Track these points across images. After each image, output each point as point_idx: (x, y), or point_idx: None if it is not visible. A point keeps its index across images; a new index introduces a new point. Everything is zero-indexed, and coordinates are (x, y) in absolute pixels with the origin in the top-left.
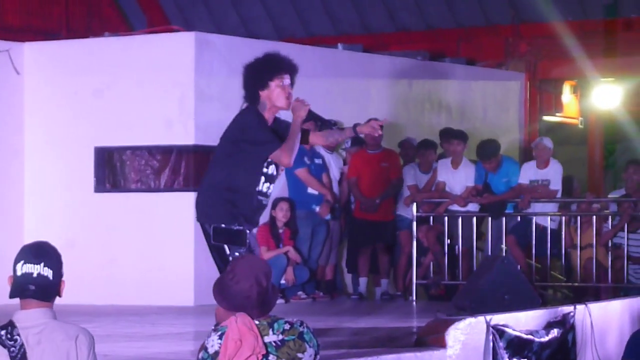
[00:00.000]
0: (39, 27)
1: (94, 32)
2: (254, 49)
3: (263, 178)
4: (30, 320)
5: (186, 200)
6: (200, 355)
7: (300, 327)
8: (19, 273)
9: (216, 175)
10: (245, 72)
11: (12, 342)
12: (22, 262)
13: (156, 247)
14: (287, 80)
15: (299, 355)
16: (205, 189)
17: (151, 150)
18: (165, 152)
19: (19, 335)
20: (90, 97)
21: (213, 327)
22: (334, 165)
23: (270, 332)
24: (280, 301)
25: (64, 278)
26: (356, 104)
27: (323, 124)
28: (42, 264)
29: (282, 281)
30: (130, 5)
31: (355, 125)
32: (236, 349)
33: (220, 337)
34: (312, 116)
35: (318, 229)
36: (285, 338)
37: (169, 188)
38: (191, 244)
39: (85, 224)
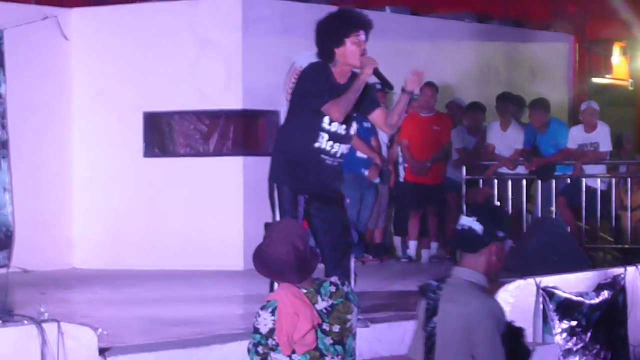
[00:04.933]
0: None
1: None
2: (301, 11)
3: (326, 135)
4: (455, 273)
5: (235, 165)
6: (251, 343)
7: (345, 287)
8: None
9: (279, 134)
10: (319, 29)
11: (434, 295)
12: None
13: (205, 212)
14: (362, 36)
15: (348, 317)
16: (272, 149)
17: (199, 115)
18: (214, 117)
19: (440, 289)
20: (137, 62)
21: (260, 307)
22: None
23: (319, 298)
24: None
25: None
26: (404, 67)
27: (384, 85)
28: (473, 218)
29: None
30: None
31: (402, 90)
32: (294, 323)
33: (273, 313)
34: (377, 74)
35: (367, 193)
36: (335, 302)
37: (218, 152)
38: (240, 208)
39: (134, 188)
